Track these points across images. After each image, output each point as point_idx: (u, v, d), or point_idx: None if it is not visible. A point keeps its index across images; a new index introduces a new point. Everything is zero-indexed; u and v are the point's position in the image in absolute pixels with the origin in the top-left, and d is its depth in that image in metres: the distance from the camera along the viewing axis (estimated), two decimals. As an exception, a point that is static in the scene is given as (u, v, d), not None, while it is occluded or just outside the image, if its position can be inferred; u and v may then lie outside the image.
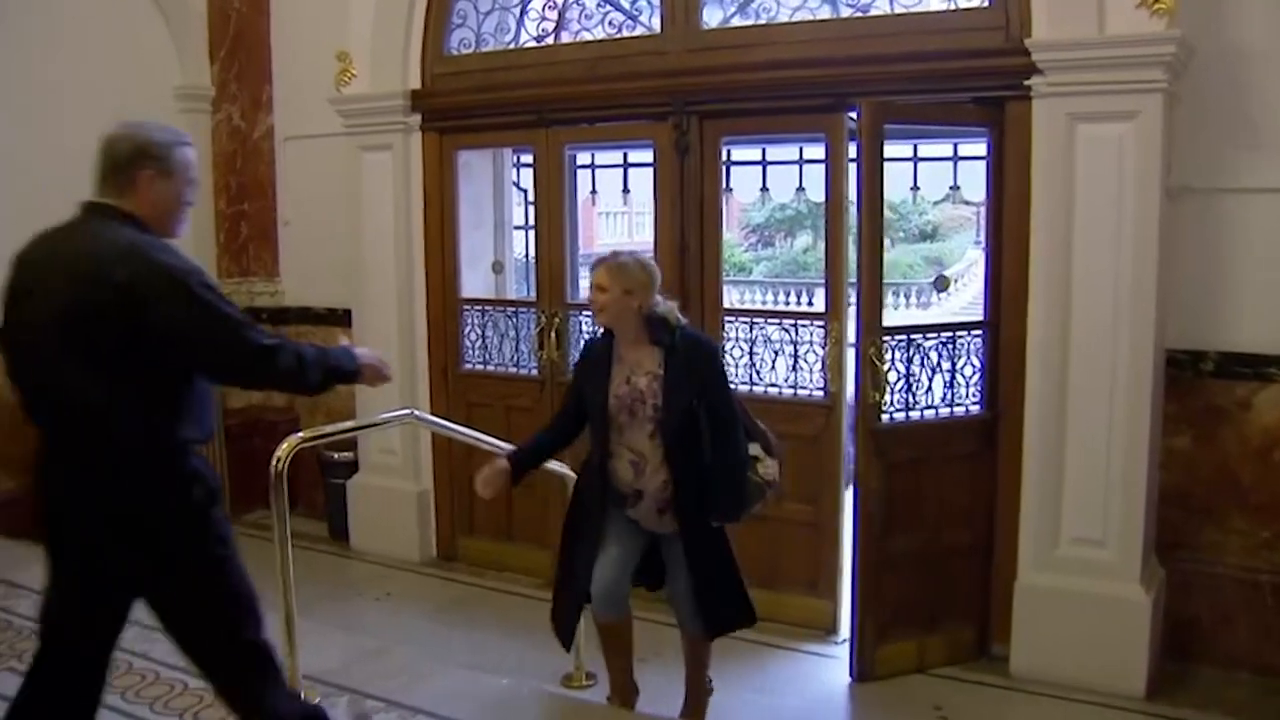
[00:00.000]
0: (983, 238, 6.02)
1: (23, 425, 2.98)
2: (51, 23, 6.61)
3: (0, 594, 5.09)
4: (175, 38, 7.24)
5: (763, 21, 5.62)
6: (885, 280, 5.20)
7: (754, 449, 4.09)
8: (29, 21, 6.51)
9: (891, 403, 5.17)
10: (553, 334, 6.30)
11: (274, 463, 4.03)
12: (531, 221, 7.05)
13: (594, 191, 8.06)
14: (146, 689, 4.28)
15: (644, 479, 4.02)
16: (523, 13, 6.43)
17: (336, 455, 7.18)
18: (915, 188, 5.78)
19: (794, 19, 5.53)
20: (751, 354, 5.81)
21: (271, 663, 3.17)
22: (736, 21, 5.72)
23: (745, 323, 5.88)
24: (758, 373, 5.80)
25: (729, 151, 5.85)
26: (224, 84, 7.40)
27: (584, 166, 7.66)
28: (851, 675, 5.17)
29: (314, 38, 7.04)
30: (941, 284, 7.08)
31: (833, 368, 5.52)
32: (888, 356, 5.11)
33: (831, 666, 5.30)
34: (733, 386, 4.23)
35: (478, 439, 5.07)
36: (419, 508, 6.85)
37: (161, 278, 2.83)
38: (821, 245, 6.39)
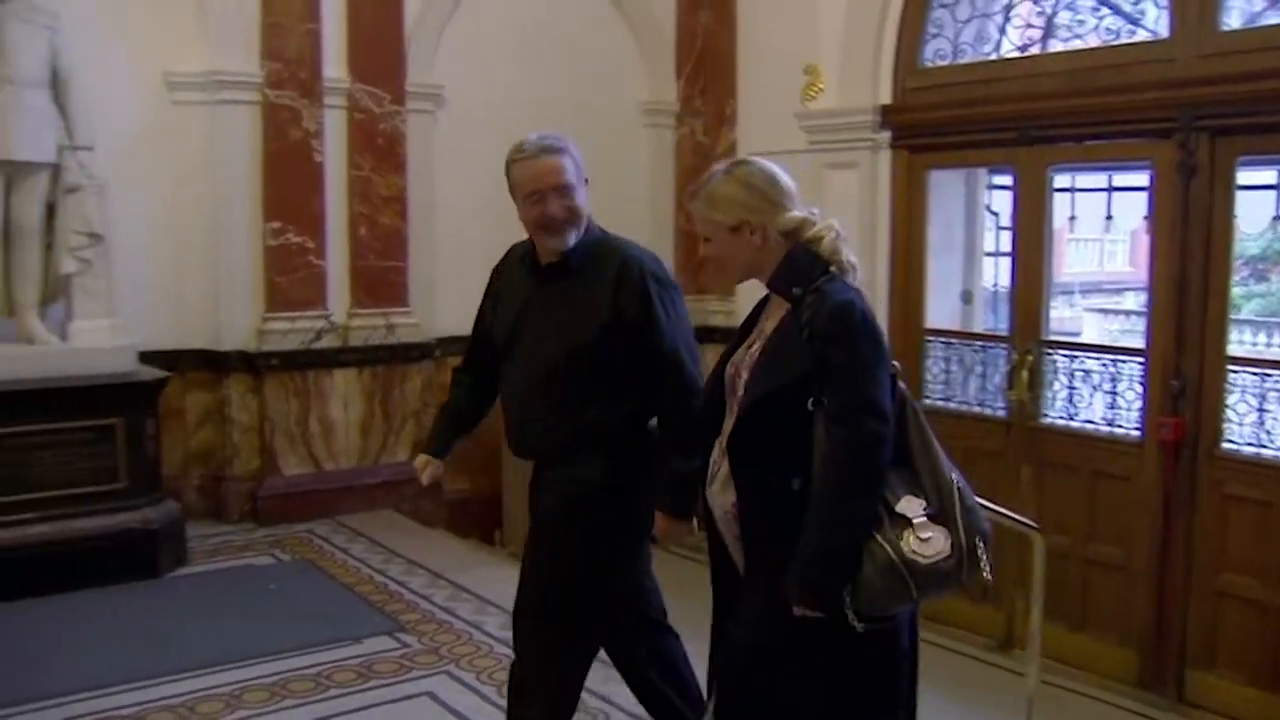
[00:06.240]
0: None
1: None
2: (527, 38, 6.86)
3: (446, 595, 5.13)
4: (643, 53, 7.36)
5: (1299, 19, 4.81)
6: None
7: (909, 505, 2.43)
8: (505, 36, 6.78)
9: (1242, 435, 4.95)
10: (1025, 372, 5.64)
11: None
12: (1002, 248, 6.48)
13: (1073, 217, 7.38)
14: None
15: (711, 490, 2.72)
16: (1005, 20, 5.91)
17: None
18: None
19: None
20: (1261, 410, 4.99)
21: None
22: (1267, 20, 4.91)
23: (1255, 374, 5.07)
24: (1269, 434, 4.97)
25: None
26: (688, 99, 7.45)
27: (1062, 190, 7.02)
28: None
29: (780, 52, 6.88)
30: None
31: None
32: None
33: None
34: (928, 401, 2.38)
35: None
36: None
37: None
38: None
